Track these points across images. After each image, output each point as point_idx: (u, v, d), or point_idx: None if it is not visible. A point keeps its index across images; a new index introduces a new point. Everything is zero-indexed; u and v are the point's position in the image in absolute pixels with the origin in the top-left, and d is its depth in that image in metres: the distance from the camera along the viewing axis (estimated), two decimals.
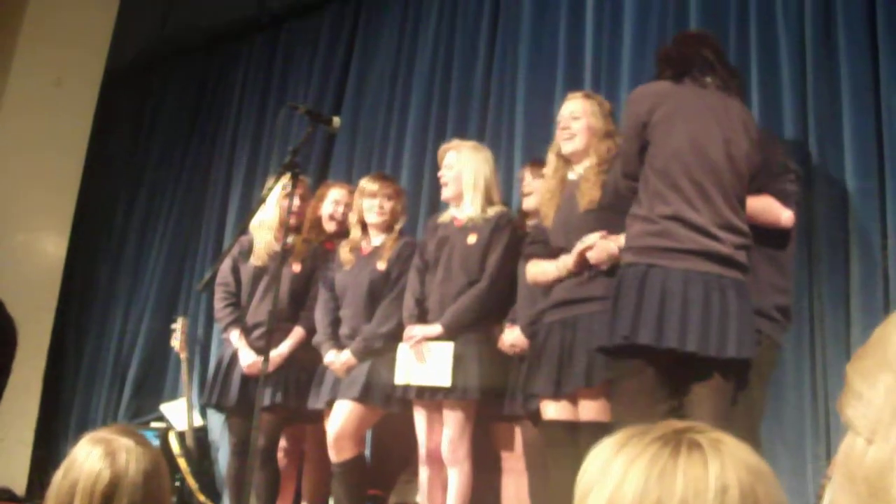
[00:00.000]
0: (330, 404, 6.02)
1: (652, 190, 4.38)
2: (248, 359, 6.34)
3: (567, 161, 5.26)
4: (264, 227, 6.53)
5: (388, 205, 6.23)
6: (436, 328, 5.65)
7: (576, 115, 5.22)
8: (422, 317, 5.84)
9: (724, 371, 4.24)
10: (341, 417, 5.90)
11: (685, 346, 4.11)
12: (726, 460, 1.37)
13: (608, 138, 5.14)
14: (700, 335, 4.11)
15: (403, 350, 5.76)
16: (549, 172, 5.37)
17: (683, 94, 4.51)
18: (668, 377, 4.26)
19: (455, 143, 6.12)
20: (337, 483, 5.97)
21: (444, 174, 5.96)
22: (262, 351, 5.60)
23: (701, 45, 4.72)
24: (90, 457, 2.40)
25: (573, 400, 4.82)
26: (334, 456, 5.93)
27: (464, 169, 5.89)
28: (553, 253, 5.10)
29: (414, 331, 5.72)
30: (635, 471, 1.38)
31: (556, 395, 4.85)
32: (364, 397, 5.88)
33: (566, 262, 4.90)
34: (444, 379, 5.53)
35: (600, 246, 4.75)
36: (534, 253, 5.26)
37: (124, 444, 2.43)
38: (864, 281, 5.19)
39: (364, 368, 5.94)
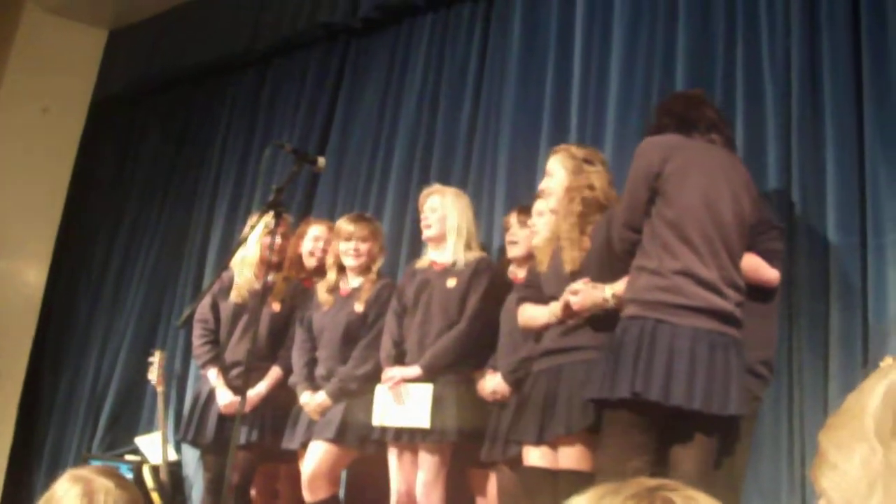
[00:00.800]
0: (305, 445, 6.00)
1: (661, 242, 4.39)
2: (225, 398, 6.33)
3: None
4: (245, 264, 6.52)
5: (363, 247, 6.23)
6: (414, 370, 5.65)
7: (550, 173, 5.25)
8: (399, 358, 5.84)
9: (713, 428, 4.27)
10: (316, 458, 5.89)
11: (691, 404, 4.12)
12: None
13: (579, 193, 5.09)
14: (705, 393, 4.14)
15: (381, 391, 5.75)
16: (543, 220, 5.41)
17: (695, 148, 4.54)
18: (656, 432, 4.28)
19: (438, 187, 6.16)
20: None
21: (428, 216, 5.97)
22: (240, 390, 5.59)
23: (703, 105, 4.78)
24: (68, 495, 2.38)
25: (554, 447, 4.81)
26: (308, 496, 5.91)
27: (448, 213, 5.92)
28: (546, 300, 5.10)
29: (392, 372, 5.72)
30: None
31: (539, 442, 4.84)
32: (339, 438, 5.88)
33: (555, 309, 4.90)
34: (422, 420, 5.52)
35: (585, 293, 4.74)
36: (527, 297, 5.25)
37: (103, 484, 2.40)
38: (843, 336, 5.19)
39: (339, 409, 5.94)
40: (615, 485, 1.45)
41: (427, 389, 5.58)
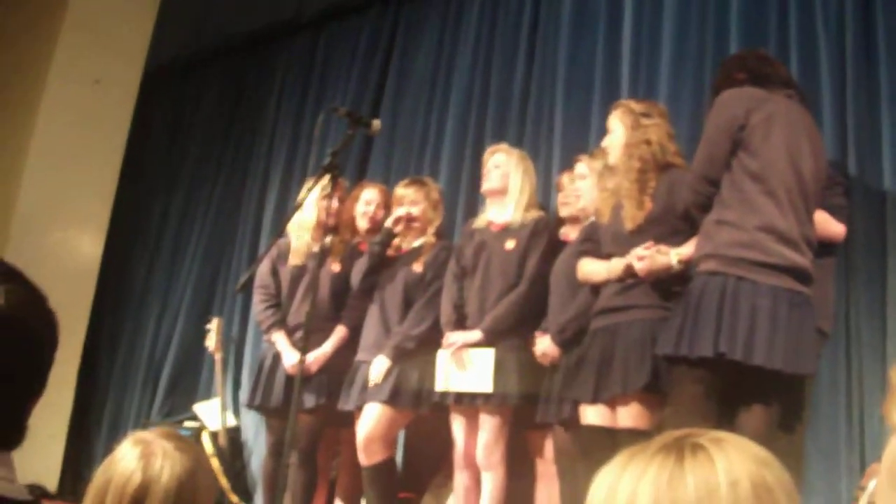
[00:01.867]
0: (360, 407, 6.04)
1: (743, 195, 4.36)
2: (291, 360, 6.34)
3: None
4: (303, 228, 6.54)
5: (414, 210, 6.26)
6: (475, 334, 5.66)
7: (611, 129, 5.22)
8: (460, 322, 5.85)
9: (781, 388, 4.27)
10: (371, 421, 5.92)
11: (773, 364, 4.12)
12: (731, 455, 1.38)
13: (636, 149, 5.05)
14: (785, 353, 4.14)
15: (443, 357, 5.77)
16: (596, 177, 5.44)
17: (777, 102, 4.50)
18: (720, 394, 4.28)
19: (505, 146, 6.17)
20: (367, 486, 5.99)
21: (492, 171, 5.98)
22: (304, 351, 5.67)
23: (776, 62, 4.80)
24: (126, 457, 2.39)
25: (611, 406, 4.82)
26: (364, 459, 5.94)
27: (513, 171, 5.94)
28: (604, 255, 5.10)
29: (453, 337, 5.73)
30: (644, 485, 1.38)
31: (595, 401, 4.85)
32: (393, 400, 5.90)
33: (617, 266, 4.89)
34: (485, 385, 5.53)
35: (651, 258, 4.72)
36: (587, 251, 5.25)
37: (162, 447, 2.40)
38: None
39: (394, 371, 5.95)
40: (641, 444, 1.47)
41: (489, 354, 5.59)
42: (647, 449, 1.44)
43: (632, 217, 4.91)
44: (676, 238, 4.78)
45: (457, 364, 5.68)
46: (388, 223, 6.28)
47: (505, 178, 5.93)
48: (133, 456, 2.38)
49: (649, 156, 5.00)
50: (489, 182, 5.99)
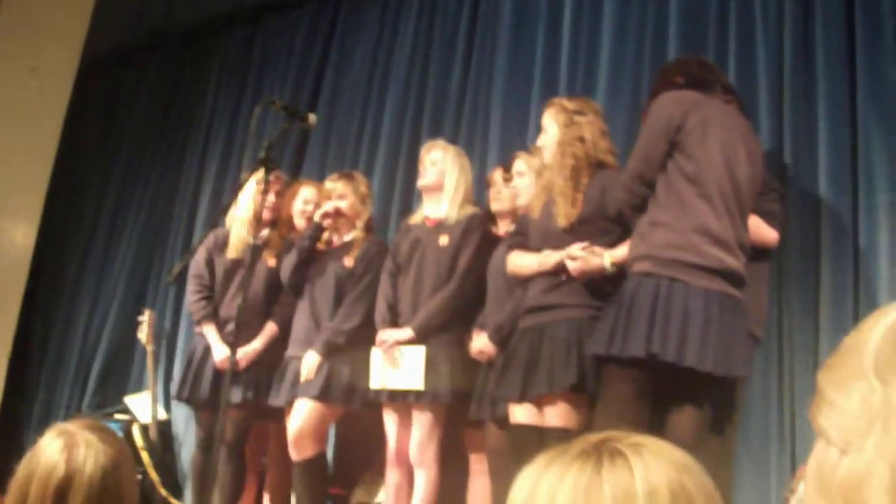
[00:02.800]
0: (291, 403, 6.01)
1: (678, 197, 4.37)
2: (221, 353, 6.33)
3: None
4: (239, 221, 6.51)
5: (343, 203, 6.23)
6: (406, 332, 5.66)
7: (544, 128, 5.22)
8: (394, 321, 5.85)
9: (712, 390, 4.29)
10: (301, 416, 5.91)
11: (704, 366, 4.14)
12: (650, 462, 1.36)
13: (570, 147, 5.07)
14: (716, 355, 4.15)
15: (376, 354, 5.76)
16: (534, 174, 5.43)
17: (714, 106, 4.52)
18: (651, 395, 4.29)
19: (441, 143, 6.16)
20: (298, 481, 5.97)
21: (428, 168, 5.97)
22: (238, 346, 5.66)
23: (716, 69, 4.86)
24: (48, 449, 2.38)
25: (539, 405, 4.82)
26: (295, 454, 5.93)
27: (449, 168, 5.92)
28: (534, 249, 5.11)
29: (385, 335, 5.73)
30: (562, 492, 1.37)
31: (522, 400, 4.86)
32: (324, 395, 5.88)
33: (548, 260, 4.89)
34: (416, 382, 5.53)
35: (584, 260, 4.73)
36: (517, 244, 5.25)
37: (85, 438, 2.39)
38: (834, 296, 5.22)
39: (324, 367, 5.93)
40: (562, 446, 1.46)
41: (420, 351, 5.58)
42: (567, 453, 1.43)
43: (565, 214, 4.92)
44: (606, 238, 4.82)
45: (389, 361, 5.67)
46: (317, 217, 6.26)
47: (441, 174, 5.92)
48: (56, 447, 2.37)
49: (582, 153, 5.01)
50: (425, 178, 5.98)
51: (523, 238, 5.22)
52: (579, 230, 4.88)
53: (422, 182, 6.02)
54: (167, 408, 8.23)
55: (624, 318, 4.29)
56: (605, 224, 4.89)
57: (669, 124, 4.43)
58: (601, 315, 4.58)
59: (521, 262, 5.12)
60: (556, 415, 4.74)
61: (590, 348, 4.49)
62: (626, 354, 4.24)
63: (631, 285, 4.37)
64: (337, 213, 6.23)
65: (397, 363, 5.64)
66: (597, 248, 4.74)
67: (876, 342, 1.17)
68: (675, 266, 4.26)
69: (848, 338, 1.21)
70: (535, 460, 1.47)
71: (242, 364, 6.29)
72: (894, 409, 1.06)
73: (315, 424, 5.94)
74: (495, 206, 5.93)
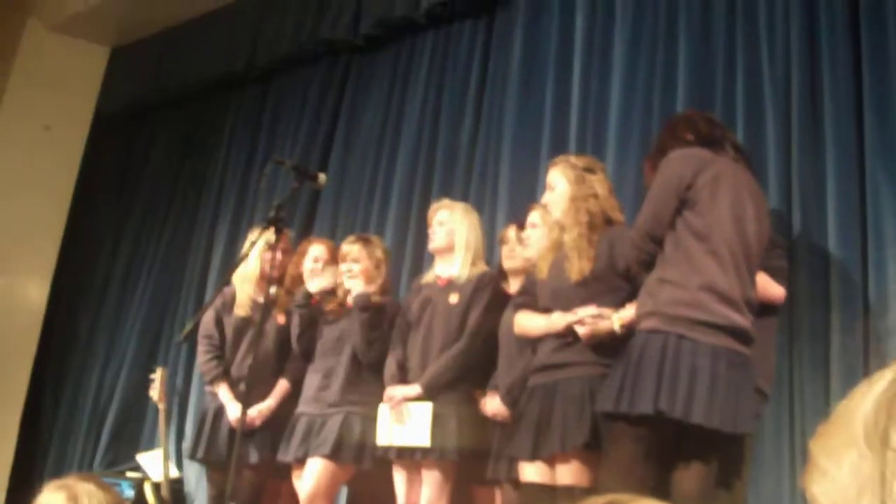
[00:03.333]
0: (300, 460, 6.00)
1: (687, 254, 4.35)
2: (235, 412, 6.29)
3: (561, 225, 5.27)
4: (246, 279, 6.52)
5: (356, 267, 6.20)
6: (415, 388, 5.63)
7: (552, 185, 5.24)
8: (403, 379, 5.82)
9: (719, 446, 4.27)
10: (313, 476, 5.88)
11: (711, 422, 4.11)
12: None
13: (584, 202, 5.10)
14: (723, 412, 4.12)
15: (384, 411, 5.75)
16: (547, 229, 5.42)
17: (723, 164, 4.50)
18: (659, 452, 4.28)
19: (448, 202, 6.15)
20: None
21: (436, 230, 5.96)
22: (246, 405, 5.66)
23: (724, 126, 4.85)
24: (52, 501, 2.42)
25: (551, 463, 4.81)
26: None
27: (457, 227, 5.91)
28: (541, 309, 5.11)
29: (393, 391, 5.71)
30: None
31: (533, 458, 4.84)
32: (335, 454, 5.85)
33: (558, 322, 4.89)
34: (422, 439, 5.51)
35: (593, 325, 4.74)
36: (524, 304, 5.25)
37: (85, 488, 2.45)
38: (844, 351, 5.19)
39: (335, 425, 5.91)
40: None
41: (427, 408, 5.56)
42: None
43: (579, 270, 4.92)
44: (616, 295, 4.82)
45: (396, 418, 5.65)
46: (310, 288, 6.28)
47: (450, 234, 5.91)
48: (60, 499, 2.40)
49: (597, 209, 5.03)
50: (435, 241, 5.97)
51: (530, 298, 5.22)
52: (591, 286, 4.88)
53: (432, 245, 6.01)
54: (179, 466, 8.22)
55: (632, 375, 4.26)
56: (615, 281, 4.89)
57: (680, 182, 4.41)
58: (610, 372, 4.57)
59: (529, 323, 5.12)
60: (569, 473, 4.71)
61: (598, 406, 4.46)
62: (634, 411, 4.20)
63: (639, 342, 4.34)
64: (352, 275, 6.23)
65: (403, 419, 5.62)
66: (605, 311, 4.73)
67: (866, 410, 1.18)
68: (682, 323, 4.24)
69: (839, 405, 1.22)
70: None
71: (258, 422, 6.29)
72: (884, 478, 1.06)
73: (328, 484, 5.91)
74: (508, 264, 5.91)
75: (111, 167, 10.87)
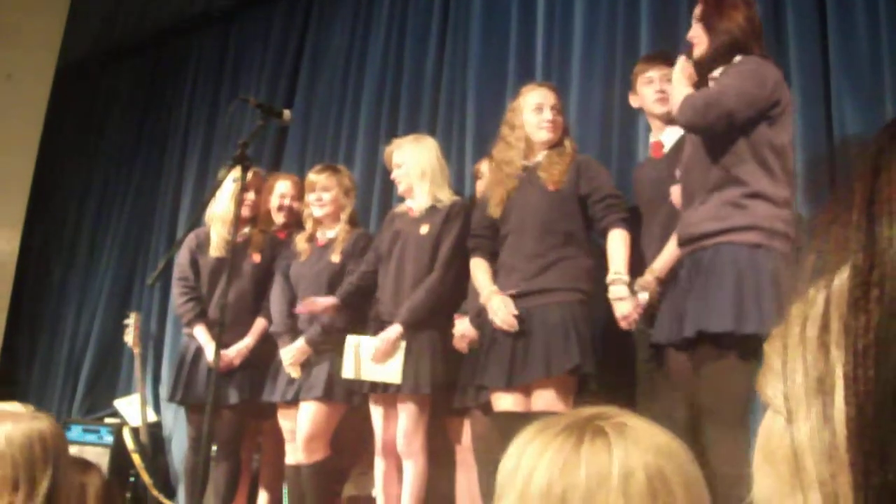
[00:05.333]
0: (287, 401, 6.03)
1: (774, 172, 4.25)
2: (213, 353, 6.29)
3: (530, 151, 5.27)
4: (219, 219, 6.47)
5: (326, 196, 6.23)
6: (395, 329, 5.60)
7: (556, 108, 5.28)
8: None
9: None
10: (309, 419, 5.93)
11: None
12: (630, 445, 1.37)
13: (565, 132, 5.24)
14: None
15: (350, 345, 5.74)
16: (504, 161, 5.39)
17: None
18: None
19: (396, 141, 6.13)
20: (308, 483, 5.95)
21: (396, 174, 5.97)
22: (228, 344, 5.91)
23: None
24: None
25: (526, 392, 4.83)
26: (306, 457, 5.93)
27: (408, 162, 5.89)
28: (496, 245, 5.21)
29: (376, 341, 5.64)
30: (541, 466, 1.38)
31: (509, 387, 4.86)
32: (328, 395, 5.88)
33: (502, 313, 4.94)
34: (394, 376, 5.52)
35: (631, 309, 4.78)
36: (477, 247, 5.36)
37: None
38: None
39: (325, 367, 5.94)
40: (553, 418, 1.47)
41: (399, 347, 5.58)
42: (555, 426, 1.44)
43: (559, 177, 5.07)
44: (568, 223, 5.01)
45: (368, 354, 5.64)
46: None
47: (407, 175, 5.90)
48: None
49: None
50: (401, 185, 5.98)
51: (482, 241, 5.35)
52: (564, 198, 5.01)
53: (400, 190, 6.03)
54: (156, 410, 8.23)
55: (752, 292, 4.05)
56: (573, 206, 5.01)
57: (771, 95, 4.27)
58: (667, 292, 4.58)
59: (478, 278, 5.29)
60: (548, 400, 4.75)
61: (714, 325, 4.12)
62: (763, 330, 3.86)
63: (747, 256, 4.15)
64: (321, 204, 6.25)
65: (377, 357, 5.62)
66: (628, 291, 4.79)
67: (819, 310, 1.18)
68: (781, 238, 4.16)
69: (793, 307, 1.22)
70: (527, 429, 1.48)
71: (237, 361, 6.30)
72: (837, 377, 1.06)
73: (324, 426, 5.97)
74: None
75: (76, 115, 10.81)
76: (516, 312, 4.87)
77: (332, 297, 5.88)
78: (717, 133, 4.28)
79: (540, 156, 5.22)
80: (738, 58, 4.40)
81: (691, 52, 4.63)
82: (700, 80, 4.51)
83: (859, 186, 0.63)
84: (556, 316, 4.80)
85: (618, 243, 4.94)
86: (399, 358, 5.54)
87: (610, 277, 4.84)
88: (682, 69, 4.58)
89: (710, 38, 4.49)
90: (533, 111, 5.24)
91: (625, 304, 4.80)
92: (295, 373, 6.02)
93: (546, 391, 4.77)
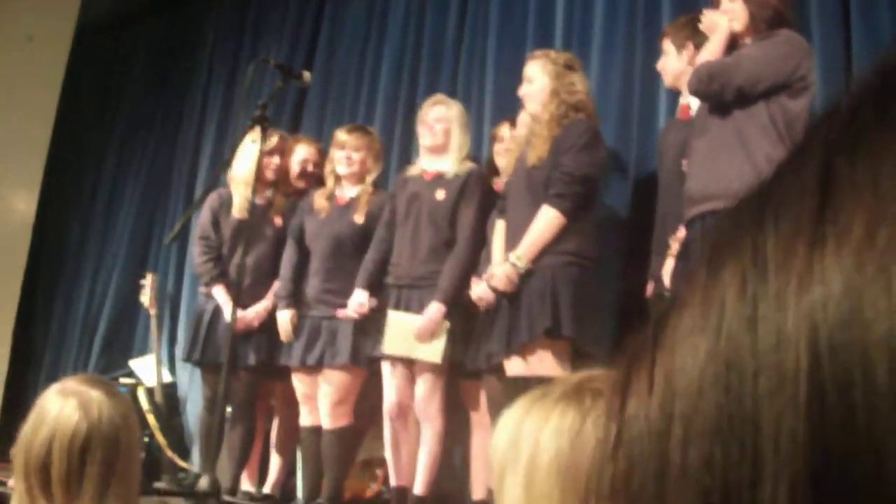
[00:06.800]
0: (305, 365, 6.04)
1: (784, 140, 4.24)
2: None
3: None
4: (242, 181, 6.36)
5: (356, 156, 6.20)
6: (437, 308, 5.56)
7: (530, 78, 5.27)
8: (377, 278, 5.91)
9: None
10: (334, 386, 5.96)
11: None
12: None
13: (566, 96, 5.14)
14: None
15: (394, 322, 5.68)
16: (518, 129, 5.44)
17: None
18: None
19: (443, 98, 6.12)
20: (329, 448, 5.97)
21: (433, 126, 5.90)
22: (247, 306, 5.93)
23: None
24: (65, 409, 2.39)
25: (524, 355, 4.87)
26: (331, 422, 5.95)
27: (454, 126, 5.89)
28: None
29: (421, 321, 5.58)
30: (546, 434, 1.37)
31: (508, 351, 4.91)
32: (353, 361, 5.89)
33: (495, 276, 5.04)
34: (436, 355, 5.52)
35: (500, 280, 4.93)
36: (501, 209, 5.40)
37: (95, 396, 2.42)
38: None
39: (348, 332, 5.92)
40: (543, 389, 1.46)
41: (444, 327, 5.55)
42: (550, 395, 1.43)
43: (538, 155, 5.03)
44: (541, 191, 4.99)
45: (409, 331, 5.59)
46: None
47: (447, 133, 5.88)
48: (71, 406, 2.38)
49: (574, 102, 5.09)
50: (433, 138, 5.90)
51: (505, 203, 5.36)
52: (537, 174, 5.01)
53: (430, 142, 5.93)
54: (172, 370, 8.25)
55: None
56: (551, 173, 4.99)
57: (797, 68, 4.31)
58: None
59: (496, 242, 5.33)
60: (539, 363, 4.79)
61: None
62: None
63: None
64: (350, 163, 6.24)
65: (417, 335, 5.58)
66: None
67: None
68: None
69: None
70: (517, 403, 1.47)
71: (255, 323, 6.30)
72: None
73: (350, 392, 6.00)
74: (500, 161, 5.88)
75: (95, 75, 10.83)
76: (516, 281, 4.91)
77: (360, 291, 5.86)
78: (722, 103, 4.35)
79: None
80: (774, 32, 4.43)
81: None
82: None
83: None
84: (538, 279, 4.85)
85: (537, 222, 4.97)
86: (443, 338, 5.52)
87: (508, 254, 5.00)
88: (720, 37, 4.60)
89: (748, 11, 4.49)
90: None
91: (479, 285, 5.26)
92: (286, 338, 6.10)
93: (536, 355, 4.82)
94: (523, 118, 5.56)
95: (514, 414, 1.46)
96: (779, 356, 0.44)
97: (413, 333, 5.56)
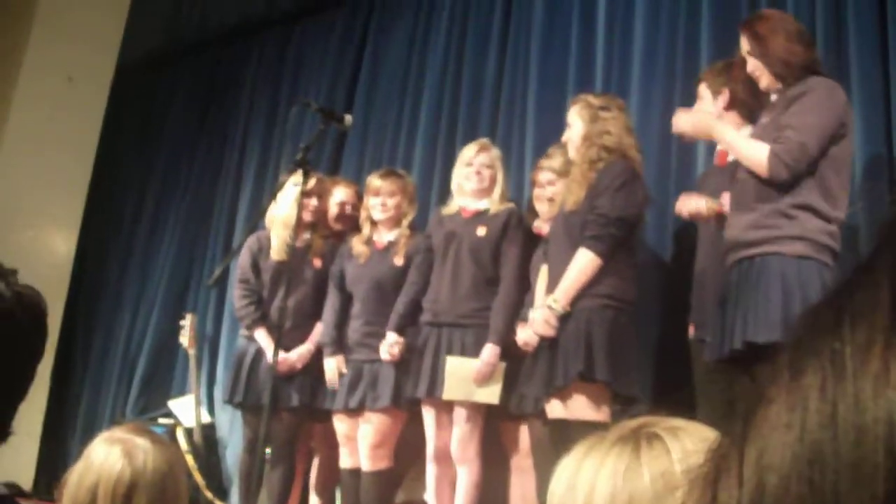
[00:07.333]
0: (348, 409, 6.06)
1: (828, 187, 4.29)
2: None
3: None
4: (281, 224, 6.41)
5: (390, 201, 6.24)
6: (493, 350, 5.58)
7: (570, 124, 5.32)
8: (412, 320, 5.95)
9: None
10: (376, 428, 5.96)
11: None
12: (687, 443, 1.37)
13: (598, 139, 5.15)
14: None
15: (454, 367, 5.65)
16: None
17: None
18: None
19: (487, 142, 6.19)
20: (369, 491, 5.97)
21: (482, 172, 5.95)
22: (289, 348, 5.92)
23: None
24: (109, 457, 2.42)
25: (564, 399, 4.86)
26: (371, 465, 5.95)
27: (499, 171, 5.98)
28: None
29: (479, 365, 5.59)
30: (602, 478, 1.38)
31: (548, 395, 4.91)
32: (395, 403, 5.90)
33: (537, 323, 5.05)
34: (493, 397, 5.54)
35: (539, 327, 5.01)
36: (545, 254, 5.45)
37: (141, 443, 2.45)
38: None
39: (390, 375, 5.94)
40: (600, 434, 1.47)
41: (501, 367, 5.57)
42: (606, 440, 1.44)
43: (575, 200, 5.06)
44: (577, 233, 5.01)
45: (467, 375, 5.59)
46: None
47: (493, 179, 5.95)
48: (116, 454, 2.41)
49: (610, 145, 5.09)
50: (481, 182, 5.95)
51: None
52: (575, 218, 5.03)
53: (477, 186, 5.96)
54: (210, 411, 8.26)
55: (800, 303, 4.08)
56: (586, 216, 5.00)
57: (842, 117, 4.37)
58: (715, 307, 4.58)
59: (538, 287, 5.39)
60: (578, 406, 4.80)
61: (762, 336, 4.12)
62: None
63: (794, 268, 4.22)
64: (384, 209, 6.27)
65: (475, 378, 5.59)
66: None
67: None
68: (826, 252, 4.25)
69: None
70: (575, 449, 1.48)
71: (298, 365, 6.33)
72: None
73: (390, 435, 6.01)
74: (541, 206, 5.89)
75: (135, 116, 10.88)
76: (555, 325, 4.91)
77: (391, 334, 5.91)
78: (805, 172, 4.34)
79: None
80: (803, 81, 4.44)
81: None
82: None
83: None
84: (574, 322, 4.85)
85: (574, 264, 4.97)
86: (499, 379, 5.54)
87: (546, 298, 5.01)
88: (725, 127, 4.73)
89: (768, 69, 4.53)
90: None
91: (524, 330, 5.28)
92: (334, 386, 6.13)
93: (573, 399, 4.81)
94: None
95: (571, 460, 1.47)
96: (858, 454, 0.45)
97: (471, 377, 5.56)
